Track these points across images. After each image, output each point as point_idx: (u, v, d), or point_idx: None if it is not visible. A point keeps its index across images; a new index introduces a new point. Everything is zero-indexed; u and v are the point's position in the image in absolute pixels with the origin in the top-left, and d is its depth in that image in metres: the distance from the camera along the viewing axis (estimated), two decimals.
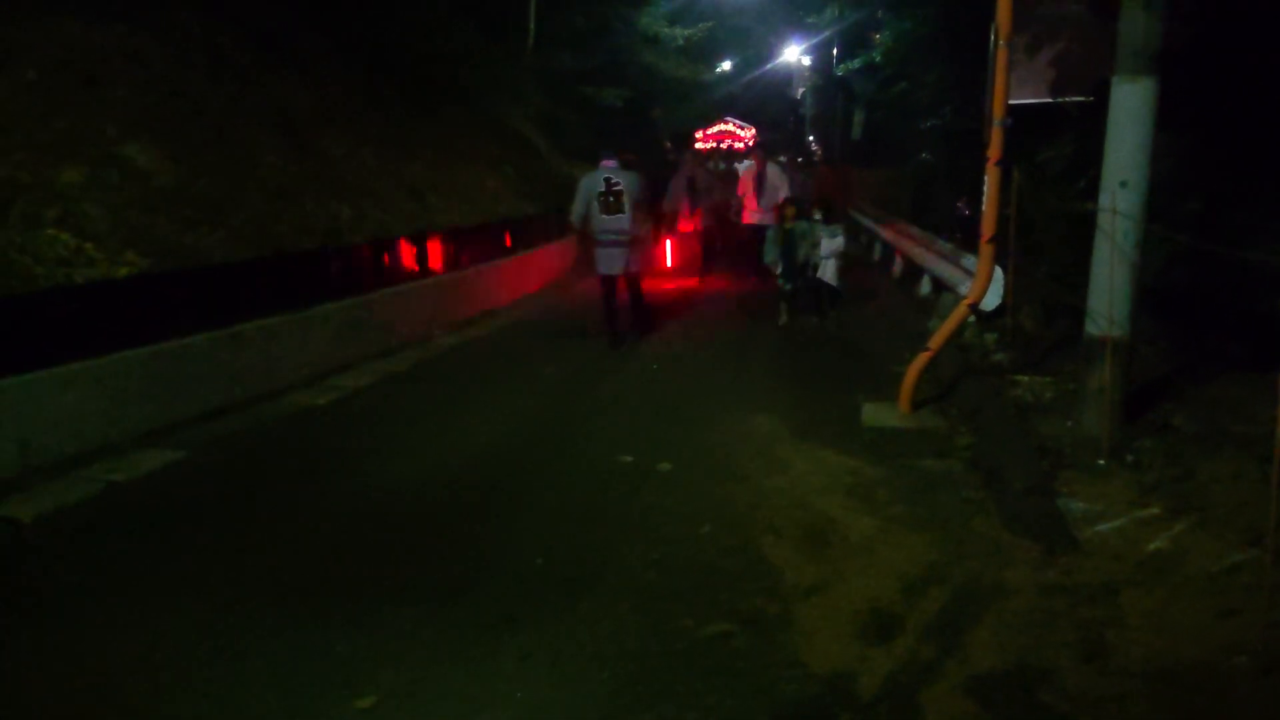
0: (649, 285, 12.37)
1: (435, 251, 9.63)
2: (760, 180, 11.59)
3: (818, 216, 9.03)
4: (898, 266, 12.80)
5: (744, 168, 12.48)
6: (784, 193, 11.14)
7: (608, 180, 8.06)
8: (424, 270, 9.15)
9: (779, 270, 9.42)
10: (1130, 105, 4.93)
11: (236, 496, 4.89)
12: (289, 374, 6.88)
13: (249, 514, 4.63)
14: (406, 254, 9.08)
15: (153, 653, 3.34)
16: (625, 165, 8.30)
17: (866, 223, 15.75)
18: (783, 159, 16.34)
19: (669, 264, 13.08)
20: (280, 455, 5.58)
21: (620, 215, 8.07)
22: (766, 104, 36.77)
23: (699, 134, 27.05)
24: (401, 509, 4.72)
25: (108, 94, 7.89)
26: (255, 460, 5.48)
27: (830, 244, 8.89)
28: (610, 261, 8.26)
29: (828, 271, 9.01)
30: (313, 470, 5.29)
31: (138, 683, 3.18)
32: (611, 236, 8.15)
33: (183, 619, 3.58)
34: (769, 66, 34.31)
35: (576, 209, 8.27)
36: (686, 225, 12.94)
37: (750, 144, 16.22)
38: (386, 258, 8.74)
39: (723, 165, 16.52)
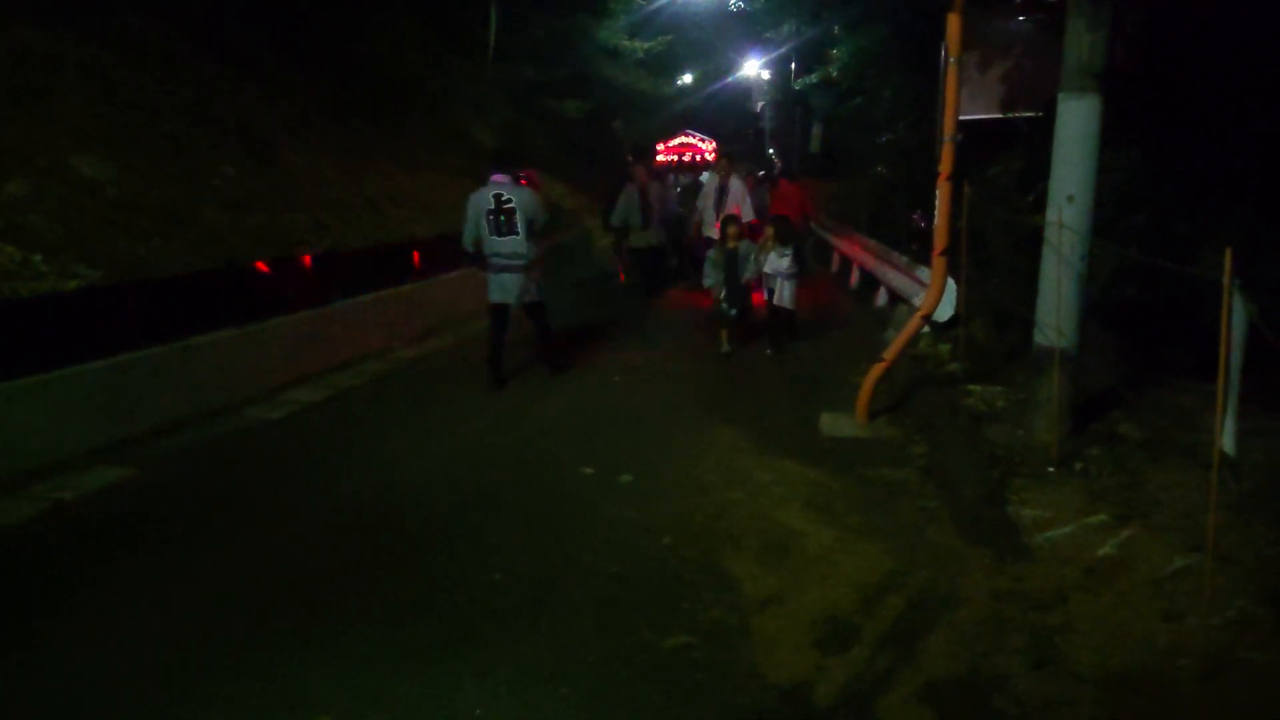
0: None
1: (394, 262, 9.56)
2: (722, 194, 11.09)
3: (773, 238, 8.51)
4: (855, 278, 12.97)
5: (707, 180, 11.86)
6: (744, 209, 10.77)
7: (497, 197, 7.01)
8: (383, 282, 9.06)
9: (721, 295, 8.62)
10: (1076, 122, 5.07)
11: (186, 514, 4.80)
12: (244, 388, 6.78)
13: (199, 532, 4.55)
14: (365, 265, 8.99)
15: (98, 675, 3.27)
16: (519, 181, 7.32)
17: (828, 238, 15.78)
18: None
19: (623, 279, 12.63)
20: (232, 471, 5.49)
21: (513, 237, 7.06)
22: (727, 117, 37.07)
23: (660, 146, 27.16)
24: (357, 525, 4.67)
25: (59, 104, 7.76)
26: (206, 477, 5.39)
27: (778, 264, 8.40)
28: (502, 289, 7.22)
29: (785, 295, 8.48)
30: (266, 486, 5.22)
31: (81, 707, 3.11)
32: (502, 261, 7.15)
33: (131, 640, 3.50)
34: (729, 80, 34.64)
35: (466, 231, 7.22)
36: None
37: (715, 156, 14.77)
38: (344, 269, 8.65)
39: (686, 178, 16.33)
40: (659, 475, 5.38)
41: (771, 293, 8.56)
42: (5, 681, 3.26)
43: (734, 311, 8.56)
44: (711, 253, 8.74)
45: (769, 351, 8.43)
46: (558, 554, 4.31)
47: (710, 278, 8.67)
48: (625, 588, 3.96)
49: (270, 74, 11.76)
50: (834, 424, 6.27)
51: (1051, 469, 5.01)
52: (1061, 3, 5.21)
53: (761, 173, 22.24)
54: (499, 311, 7.31)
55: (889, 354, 6.37)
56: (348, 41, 13.72)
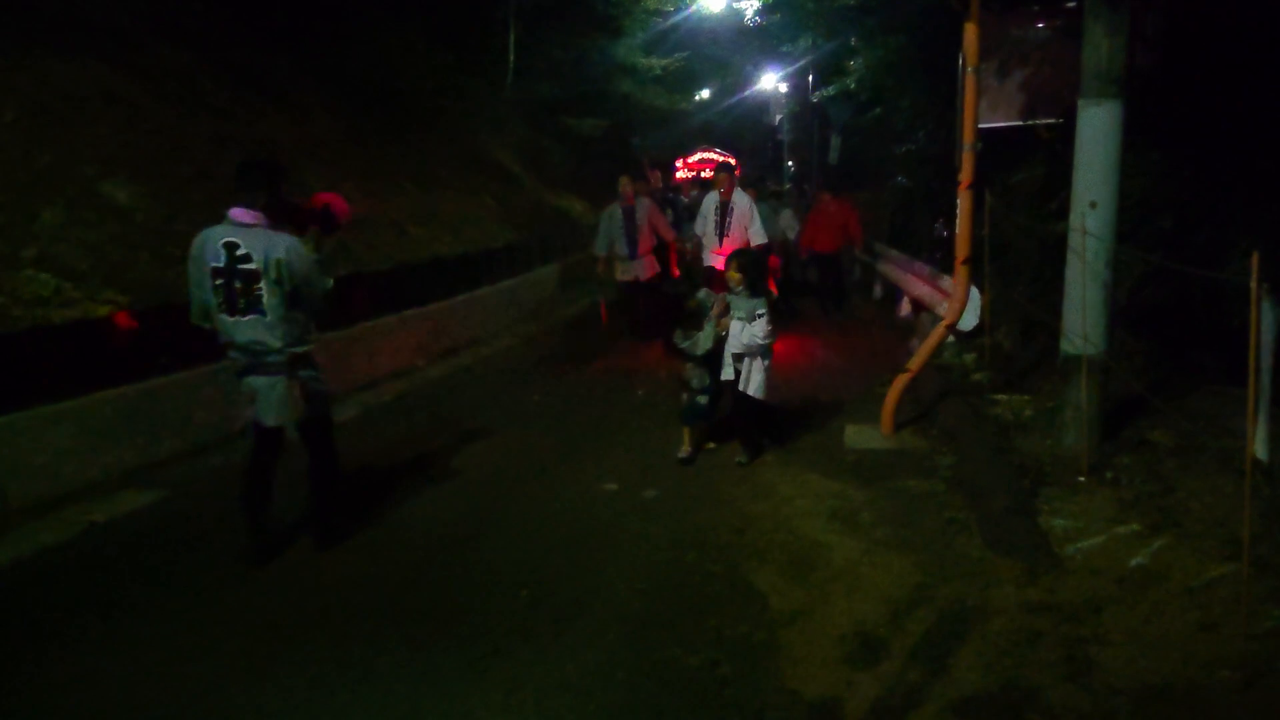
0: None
1: (417, 282, 9.63)
2: (725, 213, 8.90)
3: (739, 287, 5.55)
4: (879, 288, 12.92)
5: (707, 198, 9.39)
6: (755, 228, 8.85)
7: (230, 247, 4.12)
8: (406, 302, 9.14)
9: (699, 382, 5.81)
10: (1097, 127, 5.03)
11: (217, 535, 4.83)
12: None
13: (229, 553, 4.57)
14: (388, 286, 9.08)
15: (131, 697, 3.30)
16: (280, 220, 4.29)
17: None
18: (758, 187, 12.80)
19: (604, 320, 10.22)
20: None
21: (255, 317, 4.18)
22: (745, 131, 37.17)
23: (679, 162, 27.21)
24: (384, 544, 4.69)
25: (87, 133, 7.91)
26: (234, 498, 5.41)
27: (749, 333, 5.50)
28: (253, 402, 4.37)
29: (755, 380, 5.64)
30: (295, 507, 5.24)
31: None
32: (243, 357, 4.29)
33: (162, 662, 3.53)
34: (746, 94, 34.69)
35: (192, 297, 4.34)
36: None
37: (714, 167, 11.22)
38: (368, 290, 8.73)
39: (694, 193, 15.59)
40: (682, 490, 5.36)
41: (735, 374, 5.71)
42: (34, 699, 3.30)
43: (704, 400, 5.84)
44: (703, 333, 5.67)
45: (741, 459, 5.78)
46: (583, 570, 4.31)
47: (693, 342, 5.69)
48: (651, 604, 3.95)
49: (291, 98, 11.93)
50: (859, 435, 6.23)
51: (1082, 478, 4.94)
52: (1079, 8, 5.18)
53: (788, 185, 21.76)
54: (263, 440, 4.45)
55: (914, 364, 6.33)
56: (367, 64, 13.89)
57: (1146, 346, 6.32)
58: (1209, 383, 5.75)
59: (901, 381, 6.27)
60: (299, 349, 4.34)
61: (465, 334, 10.15)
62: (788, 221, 12.85)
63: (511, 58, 18.22)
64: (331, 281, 4.49)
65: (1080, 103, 5.10)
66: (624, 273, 9.57)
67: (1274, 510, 4.06)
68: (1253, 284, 2.97)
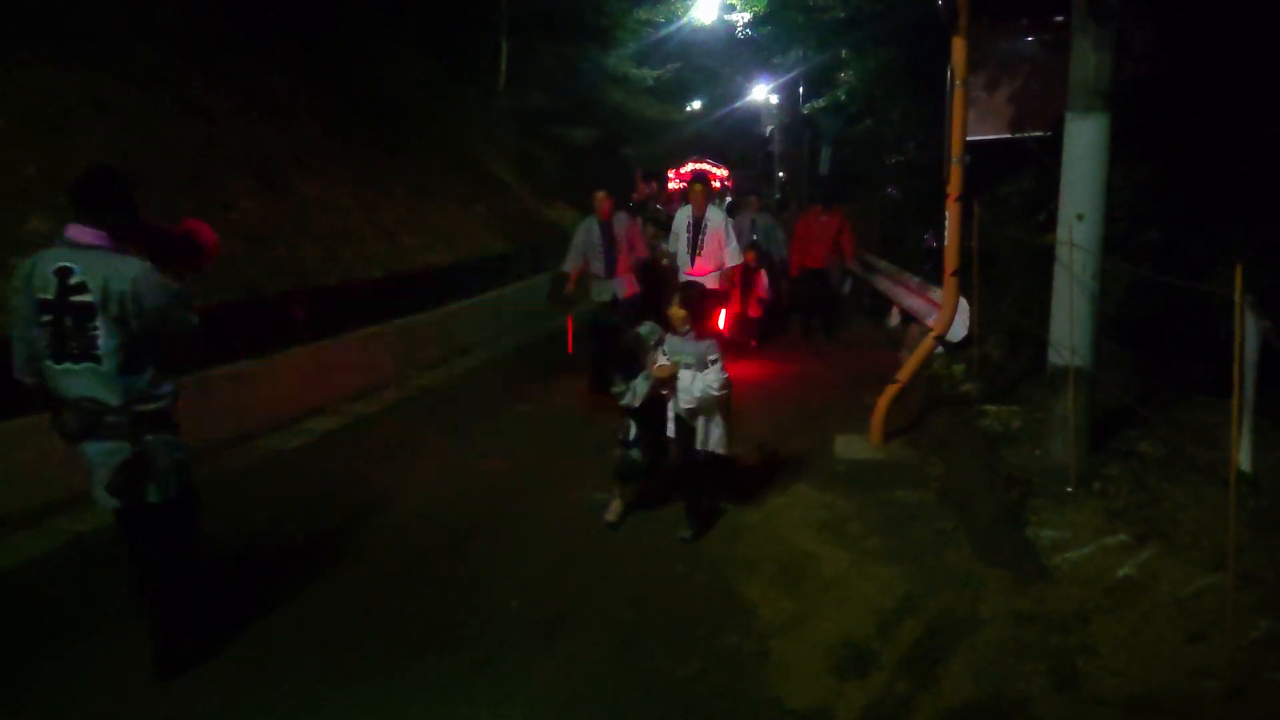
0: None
1: (408, 291, 9.64)
2: (698, 230, 7.99)
3: (685, 328, 4.62)
4: (866, 298, 12.97)
5: (679, 215, 8.43)
6: (730, 249, 7.97)
7: (62, 275, 3.25)
8: (397, 310, 9.13)
9: (624, 432, 4.97)
10: (1084, 141, 5.07)
11: (201, 546, 4.80)
12: (259, 418, 6.82)
13: (214, 564, 4.55)
14: (379, 295, 9.07)
15: (119, 708, 3.28)
16: (125, 239, 3.40)
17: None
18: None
19: (570, 350, 9.04)
20: (247, 503, 5.50)
21: (89, 366, 3.28)
22: (736, 141, 37.24)
23: (672, 172, 27.24)
24: (372, 555, 4.68)
25: (76, 140, 7.88)
26: (221, 508, 5.38)
27: (700, 381, 4.51)
28: (93, 474, 3.42)
29: (714, 435, 4.70)
30: (281, 518, 5.23)
31: None
32: (75, 418, 3.34)
33: (149, 673, 3.50)
34: (737, 105, 34.82)
35: (19, 346, 3.39)
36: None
37: (689, 180, 9.78)
38: (357, 299, 8.73)
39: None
40: (671, 501, 5.35)
41: (690, 431, 4.72)
42: (31, 709, 3.27)
43: (637, 454, 4.93)
44: (637, 382, 4.84)
45: (684, 534, 4.77)
46: (573, 581, 4.30)
47: (620, 392, 4.91)
48: (641, 614, 3.95)
49: (283, 105, 11.92)
50: (848, 446, 6.24)
51: (1069, 489, 4.96)
52: (1067, 23, 5.23)
53: (779, 196, 21.67)
54: (120, 522, 3.59)
55: (903, 375, 6.36)
56: (359, 72, 13.92)
57: (1134, 358, 6.36)
58: (1195, 394, 5.79)
59: (891, 392, 6.29)
60: (147, 406, 3.37)
61: (456, 342, 10.14)
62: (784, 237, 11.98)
63: (503, 67, 18.29)
64: (196, 319, 3.56)
65: (1068, 116, 5.14)
66: (600, 293, 8.23)
67: (1259, 521, 4.09)
68: (1237, 296, 3.00)
